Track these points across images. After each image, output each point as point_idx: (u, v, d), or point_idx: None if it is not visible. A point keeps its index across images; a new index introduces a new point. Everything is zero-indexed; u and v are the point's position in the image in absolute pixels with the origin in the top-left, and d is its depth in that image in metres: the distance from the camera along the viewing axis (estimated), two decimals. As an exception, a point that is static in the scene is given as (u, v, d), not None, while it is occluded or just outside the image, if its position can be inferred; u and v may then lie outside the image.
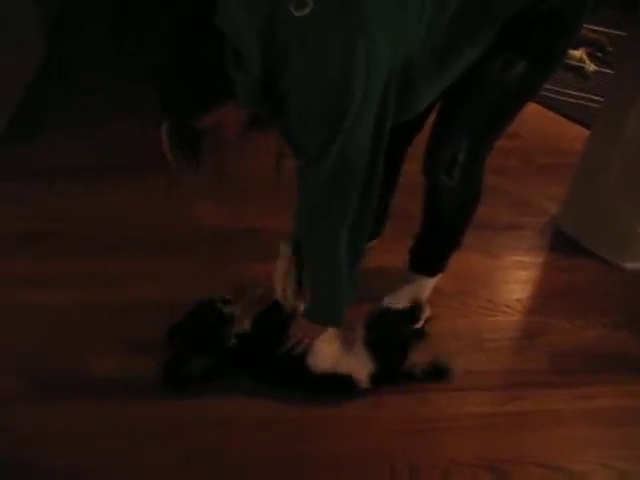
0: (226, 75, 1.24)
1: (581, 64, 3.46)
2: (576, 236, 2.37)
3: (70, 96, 3.07)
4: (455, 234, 1.90)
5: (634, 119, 2.07)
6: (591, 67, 3.46)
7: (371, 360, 1.73)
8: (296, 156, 1.45)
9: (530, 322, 2.06)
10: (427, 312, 1.98)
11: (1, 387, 1.75)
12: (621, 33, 3.15)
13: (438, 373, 1.81)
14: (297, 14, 1.20)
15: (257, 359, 1.77)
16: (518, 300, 2.13)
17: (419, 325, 1.94)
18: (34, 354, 1.85)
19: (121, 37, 3.66)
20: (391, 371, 1.77)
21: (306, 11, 1.19)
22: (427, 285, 2.01)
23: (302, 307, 1.79)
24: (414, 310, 1.93)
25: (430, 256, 1.98)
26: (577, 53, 3.47)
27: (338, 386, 1.74)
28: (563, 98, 3.22)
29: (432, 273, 2.00)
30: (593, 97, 3.16)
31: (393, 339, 1.82)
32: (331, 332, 1.76)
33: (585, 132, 2.68)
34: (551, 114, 3.18)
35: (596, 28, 3.50)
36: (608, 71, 3.24)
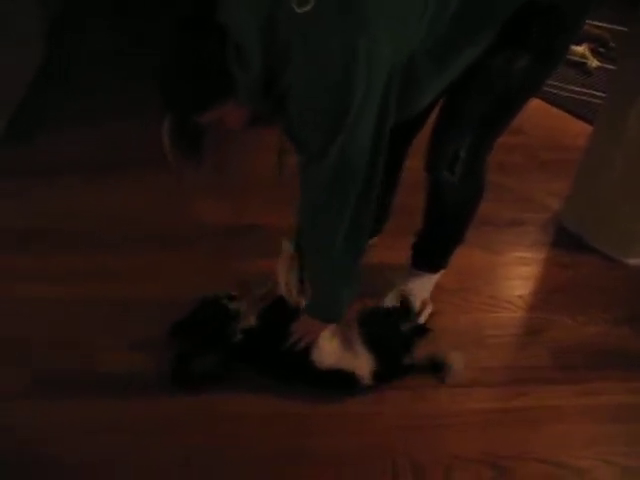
0: (228, 72, 1.24)
1: (584, 60, 3.45)
2: (579, 232, 2.37)
3: (70, 95, 3.06)
4: (457, 230, 1.90)
5: (636, 115, 2.06)
6: (594, 63, 3.45)
7: (372, 357, 1.74)
8: (298, 152, 1.45)
9: (532, 318, 2.06)
10: (430, 308, 1.98)
11: (1, 383, 1.75)
12: (624, 29, 3.15)
13: (436, 367, 1.81)
14: (299, 11, 1.19)
15: (262, 354, 1.78)
16: (520, 296, 2.13)
17: (422, 321, 1.94)
18: (35, 350, 1.85)
19: (121, 36, 3.65)
20: (393, 368, 1.78)
21: (307, 7, 1.19)
22: (429, 281, 2.01)
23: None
24: (404, 306, 1.93)
25: (432, 252, 1.98)
26: (580, 49, 3.46)
27: (341, 382, 1.74)
28: (566, 94, 3.21)
29: (434, 269, 2.00)
30: (595, 93, 3.15)
31: (391, 336, 1.82)
32: (332, 329, 1.76)
33: (588, 128, 2.67)
34: (554, 110, 3.17)
35: (599, 24, 3.49)
36: (611, 67, 3.23)
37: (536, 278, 2.24)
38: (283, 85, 1.29)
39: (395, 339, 1.82)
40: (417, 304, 1.96)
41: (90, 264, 2.13)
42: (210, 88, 1.28)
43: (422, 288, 2.00)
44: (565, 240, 2.37)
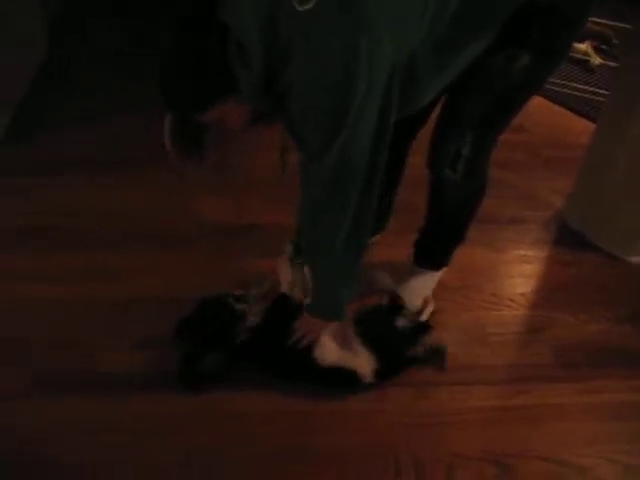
0: (229, 70, 1.24)
1: (586, 57, 3.45)
2: (581, 230, 2.37)
3: (70, 95, 3.06)
4: (459, 228, 1.90)
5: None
6: (596, 60, 3.45)
7: (373, 356, 1.74)
8: (300, 151, 1.45)
9: (534, 316, 2.06)
10: (431, 306, 1.98)
11: (2, 383, 1.75)
12: (627, 26, 3.12)
13: (436, 354, 1.82)
14: (300, 9, 1.19)
15: (266, 352, 1.78)
16: (522, 294, 2.13)
17: (424, 319, 1.94)
18: (35, 349, 1.85)
19: (121, 36, 3.66)
20: (394, 363, 1.78)
21: (309, 6, 1.19)
22: (431, 279, 2.01)
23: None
24: (395, 303, 1.93)
25: (434, 250, 1.98)
26: (582, 46, 3.45)
27: (343, 380, 1.74)
28: (568, 91, 3.20)
29: (436, 267, 2.00)
30: (598, 90, 3.14)
31: (387, 333, 1.83)
32: (333, 327, 1.76)
33: (590, 125, 2.67)
34: (556, 107, 3.17)
35: (601, 21, 3.48)
36: (613, 64, 3.23)
37: (538, 276, 2.23)
38: (284, 83, 1.29)
39: (392, 334, 1.82)
40: (419, 302, 1.96)
41: (90, 263, 2.13)
42: (211, 87, 1.28)
43: (424, 286, 2.00)
44: (567, 238, 2.37)
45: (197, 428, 1.67)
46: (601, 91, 3.09)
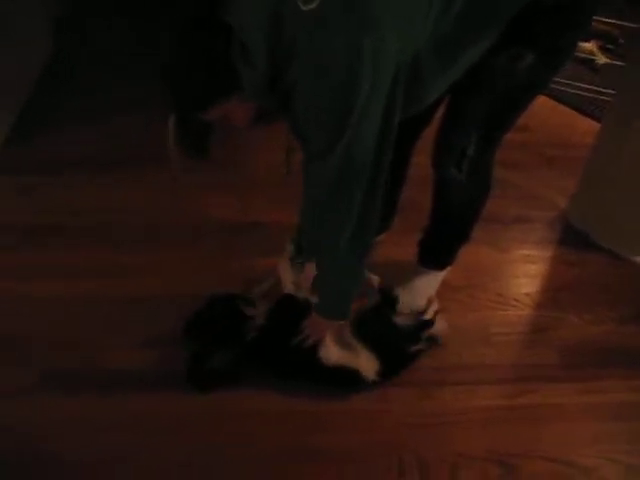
0: (233, 69, 1.24)
1: (592, 57, 3.44)
2: (585, 230, 2.36)
3: (71, 94, 3.07)
4: (464, 227, 1.90)
5: (645, 112, 2.05)
6: (602, 60, 3.44)
7: (375, 355, 1.75)
8: (304, 150, 1.45)
9: (539, 316, 2.06)
10: (435, 305, 1.97)
11: (4, 381, 1.75)
12: (632, 25, 3.12)
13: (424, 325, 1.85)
14: (304, 8, 1.19)
15: (271, 351, 1.78)
16: (527, 294, 2.13)
17: (428, 318, 1.94)
18: (36, 347, 1.85)
19: (122, 36, 3.66)
20: (397, 361, 1.79)
21: (313, 5, 1.19)
22: (435, 279, 2.01)
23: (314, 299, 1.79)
24: (388, 297, 1.93)
25: (439, 249, 1.98)
26: (588, 45, 3.45)
27: (346, 379, 1.75)
28: (573, 91, 3.19)
29: (441, 266, 1.99)
30: (603, 90, 3.13)
31: (385, 331, 1.84)
32: (335, 328, 1.76)
33: (595, 125, 2.66)
34: (561, 107, 3.16)
35: (607, 20, 3.47)
36: (619, 64, 3.22)
37: (543, 276, 2.23)
38: (289, 81, 1.29)
39: (393, 332, 1.83)
40: (423, 302, 1.96)
41: (92, 262, 2.13)
42: (214, 86, 1.28)
43: (428, 285, 2.00)
44: (572, 238, 2.37)
45: (201, 427, 1.67)
46: (606, 91, 3.08)
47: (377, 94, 1.27)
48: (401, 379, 1.79)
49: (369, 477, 1.59)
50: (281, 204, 2.25)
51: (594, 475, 1.61)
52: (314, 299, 1.75)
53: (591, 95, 3.17)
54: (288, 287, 1.90)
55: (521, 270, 2.24)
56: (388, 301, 1.93)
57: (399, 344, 1.81)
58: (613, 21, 3.47)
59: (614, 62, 3.37)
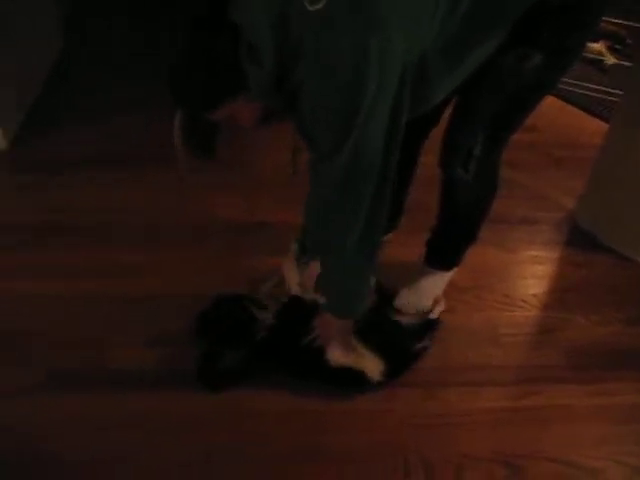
0: (240, 68, 1.24)
1: (600, 57, 3.43)
2: (593, 231, 2.36)
3: (72, 93, 3.08)
4: (471, 228, 1.89)
5: (653, 113, 2.05)
6: (610, 60, 3.43)
7: (379, 356, 1.75)
8: (310, 150, 1.45)
9: (546, 317, 2.05)
10: (442, 306, 1.97)
11: (10, 380, 1.75)
12: (641, 25, 3.12)
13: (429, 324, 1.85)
14: (310, 8, 1.19)
15: (281, 351, 1.79)
16: (534, 295, 2.12)
17: (433, 317, 1.94)
18: (36, 346, 1.85)
19: (122, 36, 3.67)
20: (401, 363, 1.79)
21: (319, 5, 1.18)
22: (442, 279, 2.00)
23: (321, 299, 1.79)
24: (381, 294, 1.93)
25: (446, 250, 1.98)
26: (596, 46, 3.44)
27: (352, 380, 1.75)
28: (581, 91, 3.19)
29: (448, 267, 1.99)
30: (612, 90, 3.12)
31: (393, 332, 1.83)
32: (340, 329, 1.76)
33: (603, 126, 2.65)
34: (569, 107, 3.16)
35: (615, 20, 3.46)
36: (627, 64, 3.20)
37: (550, 277, 2.22)
38: (295, 81, 1.29)
39: (396, 332, 1.83)
40: (429, 302, 1.96)
41: (92, 262, 2.13)
42: (221, 85, 1.28)
43: (434, 286, 1.99)
44: (579, 239, 2.36)
45: (208, 427, 1.67)
46: (615, 91, 3.06)
47: (384, 94, 1.27)
48: (406, 379, 1.79)
49: (375, 478, 1.59)
50: (287, 204, 2.24)
51: (600, 477, 1.61)
52: (321, 299, 1.75)
53: (599, 95, 3.16)
54: (294, 289, 1.90)
55: (528, 271, 2.24)
56: (385, 300, 1.93)
57: (403, 343, 1.81)
58: (621, 22, 3.46)
59: (622, 62, 3.36)
